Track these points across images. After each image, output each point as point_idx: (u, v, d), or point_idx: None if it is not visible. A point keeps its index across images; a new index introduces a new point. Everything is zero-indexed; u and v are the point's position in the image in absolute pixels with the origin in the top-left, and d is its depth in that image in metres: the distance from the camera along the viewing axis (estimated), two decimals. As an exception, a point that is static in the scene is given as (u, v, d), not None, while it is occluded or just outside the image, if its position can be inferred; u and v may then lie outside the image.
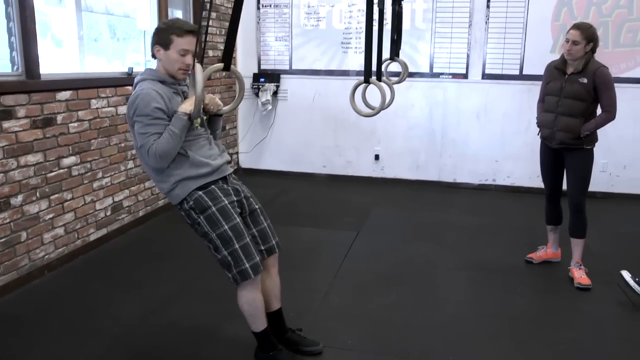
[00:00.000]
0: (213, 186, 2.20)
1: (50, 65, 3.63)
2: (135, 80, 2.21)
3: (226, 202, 2.18)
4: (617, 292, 3.21)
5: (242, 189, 2.33)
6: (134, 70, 4.16)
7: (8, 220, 3.04)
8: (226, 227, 2.14)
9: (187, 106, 2.08)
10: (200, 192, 2.17)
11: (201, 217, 2.16)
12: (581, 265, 3.36)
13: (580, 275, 3.30)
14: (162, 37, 2.15)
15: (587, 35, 3.13)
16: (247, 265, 2.16)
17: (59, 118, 3.36)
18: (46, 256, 3.33)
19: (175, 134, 2.07)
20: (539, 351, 2.59)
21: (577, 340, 2.70)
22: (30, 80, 3.17)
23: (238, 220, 2.19)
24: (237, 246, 2.15)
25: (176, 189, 2.18)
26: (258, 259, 2.20)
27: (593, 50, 3.18)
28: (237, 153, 6.13)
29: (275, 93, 5.86)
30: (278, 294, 2.46)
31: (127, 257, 3.66)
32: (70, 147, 3.47)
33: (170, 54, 2.14)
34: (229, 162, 2.33)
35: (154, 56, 2.21)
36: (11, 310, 2.89)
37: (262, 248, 2.32)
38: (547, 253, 3.64)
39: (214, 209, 2.15)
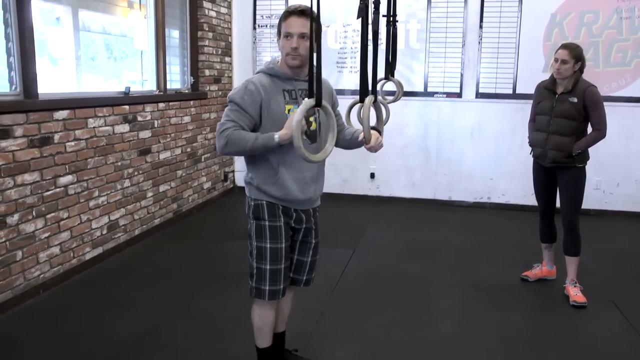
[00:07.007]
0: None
1: (48, 84, 3.65)
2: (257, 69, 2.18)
3: (282, 222, 2.13)
4: (613, 310, 3.22)
5: (311, 220, 2.25)
6: (130, 89, 4.19)
7: (4, 240, 3.03)
8: (268, 246, 2.12)
9: (284, 132, 1.94)
10: (264, 201, 2.13)
11: (253, 222, 2.16)
12: (576, 283, 3.38)
13: (575, 293, 3.31)
14: (278, 25, 2.06)
15: (575, 54, 3.19)
16: (266, 288, 2.14)
17: (56, 137, 3.38)
18: (41, 275, 3.32)
19: (253, 147, 1.99)
20: (536, 369, 2.59)
21: (572, 358, 2.70)
22: (27, 100, 3.19)
23: (284, 245, 2.14)
24: (267, 267, 2.13)
25: (252, 186, 2.16)
26: (282, 287, 2.16)
27: (581, 70, 3.25)
28: (233, 172, 6.14)
29: (271, 112, 5.88)
30: (286, 318, 2.46)
31: (123, 277, 3.64)
32: (66, 166, 3.48)
33: (281, 40, 2.05)
34: (315, 198, 2.24)
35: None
36: (5, 330, 2.87)
37: (292, 276, 2.28)
38: (543, 271, 3.65)
39: (267, 223, 2.13)
